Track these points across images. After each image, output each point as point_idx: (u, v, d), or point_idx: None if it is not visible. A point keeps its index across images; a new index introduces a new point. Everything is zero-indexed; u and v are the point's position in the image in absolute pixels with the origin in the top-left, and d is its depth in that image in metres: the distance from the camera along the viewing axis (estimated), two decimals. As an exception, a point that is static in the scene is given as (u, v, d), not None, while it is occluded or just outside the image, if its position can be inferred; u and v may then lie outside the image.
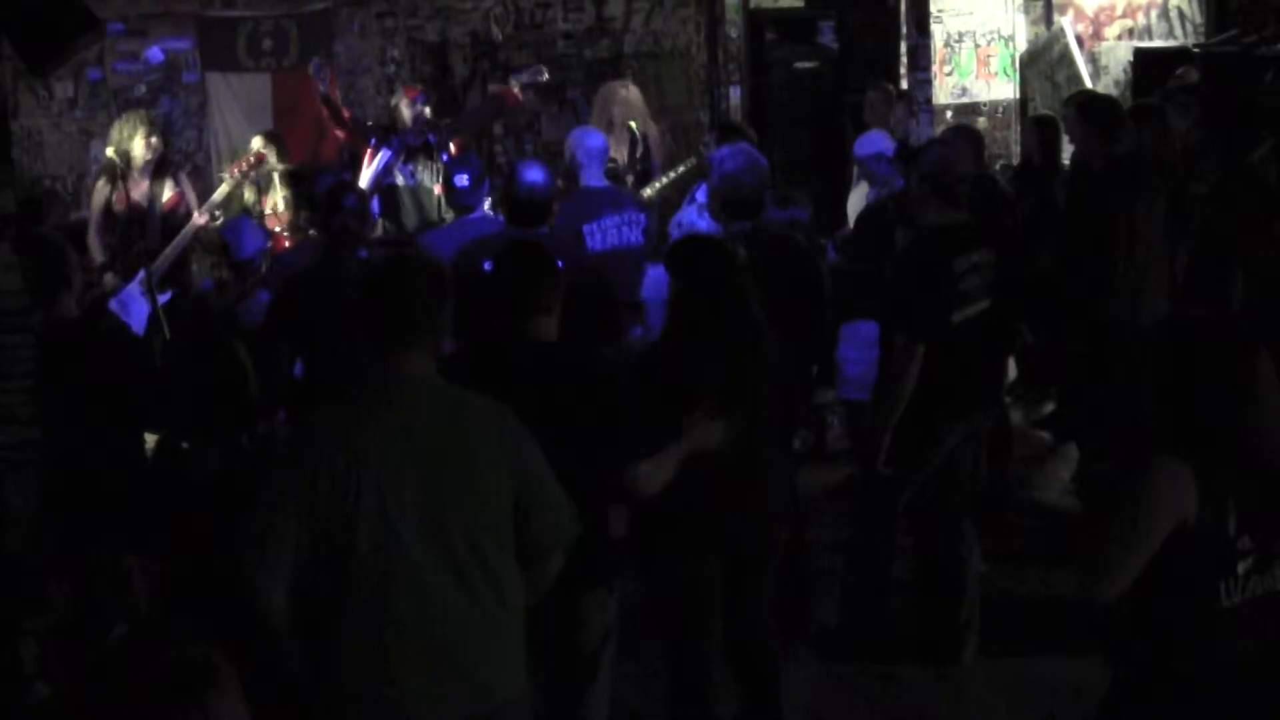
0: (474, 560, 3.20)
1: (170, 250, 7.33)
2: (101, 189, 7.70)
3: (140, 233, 7.58)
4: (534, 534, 3.34)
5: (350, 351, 3.55)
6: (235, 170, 7.77)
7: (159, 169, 7.89)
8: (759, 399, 4.23)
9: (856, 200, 8.06)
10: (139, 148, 7.73)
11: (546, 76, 8.15)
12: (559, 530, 3.42)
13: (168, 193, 7.86)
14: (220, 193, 7.71)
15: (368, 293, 3.34)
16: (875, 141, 7.65)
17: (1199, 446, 3.05)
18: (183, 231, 7.44)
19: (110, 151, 7.92)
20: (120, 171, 7.70)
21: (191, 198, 7.99)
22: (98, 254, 7.37)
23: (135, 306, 6.67)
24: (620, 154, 7.81)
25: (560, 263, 5.21)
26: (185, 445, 3.72)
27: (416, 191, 7.69)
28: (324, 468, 3.11)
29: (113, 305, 6.74)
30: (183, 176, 8.15)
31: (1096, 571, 3.04)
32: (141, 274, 6.97)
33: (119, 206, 7.67)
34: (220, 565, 3.30)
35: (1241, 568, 3.03)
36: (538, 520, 3.33)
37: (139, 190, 7.78)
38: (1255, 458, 3.07)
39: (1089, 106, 6.88)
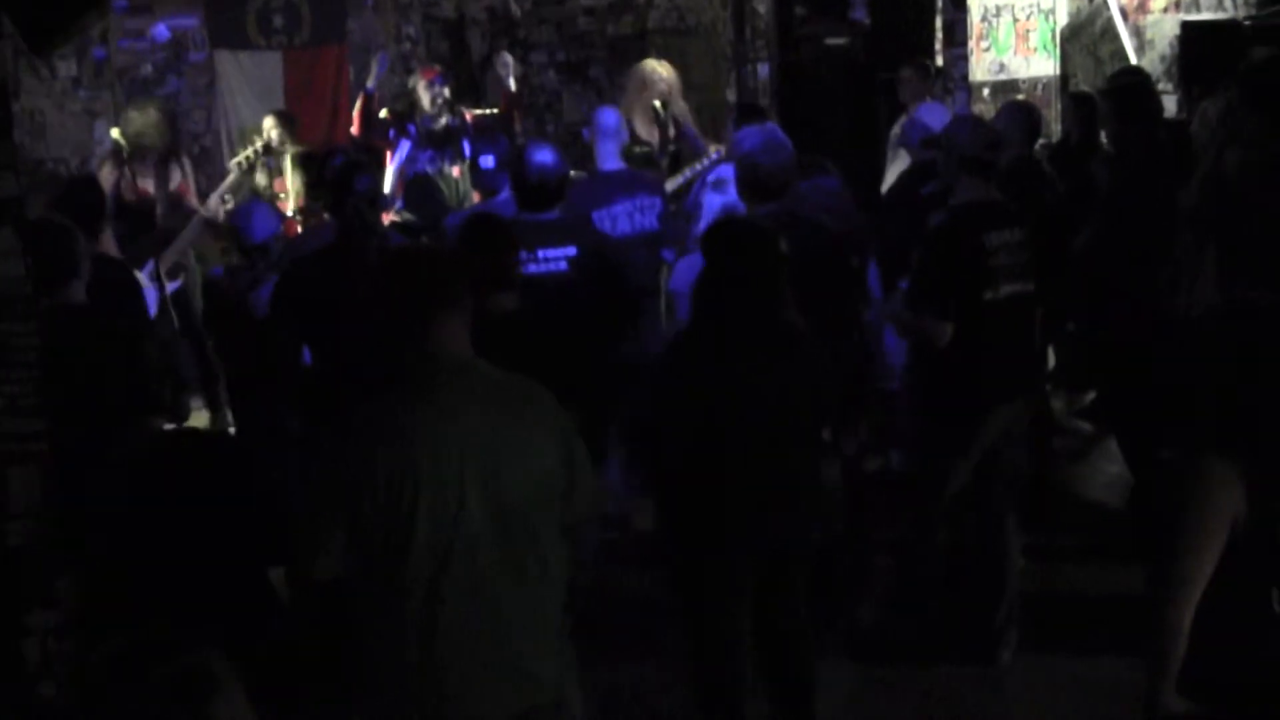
0: (530, 545, 3.21)
1: (180, 240, 7.37)
2: (107, 176, 7.60)
3: (150, 222, 7.57)
4: (576, 503, 3.37)
5: (366, 338, 3.48)
6: (243, 159, 7.79)
7: (166, 156, 7.90)
8: (788, 396, 4.15)
9: (893, 178, 7.82)
10: (155, 140, 7.72)
11: None
12: (596, 496, 3.49)
13: (175, 180, 7.82)
14: (229, 182, 7.74)
15: (399, 273, 3.34)
16: (938, 114, 7.32)
17: (1248, 444, 2.98)
18: (191, 223, 7.49)
19: (116, 133, 7.79)
20: (127, 156, 7.61)
21: (192, 183, 7.90)
22: (110, 245, 7.27)
23: (145, 294, 6.56)
24: (652, 135, 7.70)
25: (575, 249, 5.30)
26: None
27: (439, 177, 7.62)
28: (380, 464, 3.09)
29: None
30: (186, 162, 8.07)
31: (1169, 596, 3.01)
32: (151, 265, 6.90)
33: (129, 195, 7.66)
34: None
35: (1293, 575, 2.97)
36: (580, 489, 3.36)
37: (146, 178, 7.77)
38: None
39: (1119, 95, 6.64)
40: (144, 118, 7.89)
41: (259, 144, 7.77)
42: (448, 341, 3.23)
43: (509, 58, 8.42)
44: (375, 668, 3.20)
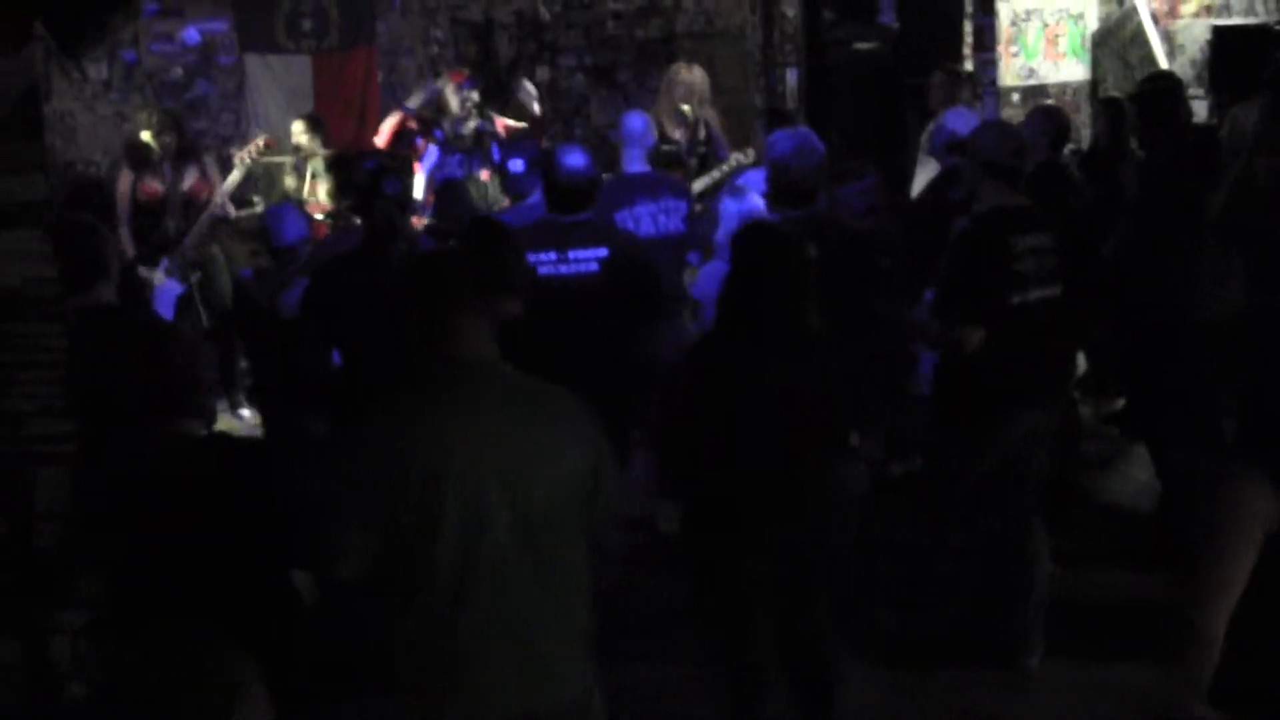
0: (554, 546, 3.18)
1: (192, 236, 7.49)
2: (124, 178, 7.68)
3: (160, 221, 7.67)
4: (600, 505, 3.33)
5: (393, 342, 3.45)
6: (246, 154, 7.68)
7: (180, 156, 7.95)
8: (809, 400, 4.13)
9: (922, 184, 7.75)
10: (157, 144, 7.82)
11: None
12: (619, 498, 3.46)
13: (190, 180, 7.88)
14: (233, 179, 7.65)
15: (421, 275, 3.33)
16: (966, 119, 7.27)
17: (1275, 449, 2.98)
18: (200, 219, 7.61)
19: (147, 136, 7.85)
20: (145, 156, 7.67)
21: (216, 183, 7.92)
22: (128, 245, 7.30)
23: (163, 291, 6.59)
24: (681, 136, 7.68)
25: (607, 250, 5.25)
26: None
27: (468, 181, 7.57)
28: (401, 466, 3.05)
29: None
30: (208, 162, 8.10)
31: (1200, 604, 3.00)
32: (165, 262, 6.92)
33: (142, 196, 7.76)
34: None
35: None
36: (604, 491, 3.33)
37: (161, 178, 7.84)
38: None
39: (1148, 99, 6.60)
40: (147, 122, 7.97)
41: (261, 141, 7.80)
42: (470, 344, 3.21)
43: (531, 86, 8.42)
44: (395, 667, 3.18)
